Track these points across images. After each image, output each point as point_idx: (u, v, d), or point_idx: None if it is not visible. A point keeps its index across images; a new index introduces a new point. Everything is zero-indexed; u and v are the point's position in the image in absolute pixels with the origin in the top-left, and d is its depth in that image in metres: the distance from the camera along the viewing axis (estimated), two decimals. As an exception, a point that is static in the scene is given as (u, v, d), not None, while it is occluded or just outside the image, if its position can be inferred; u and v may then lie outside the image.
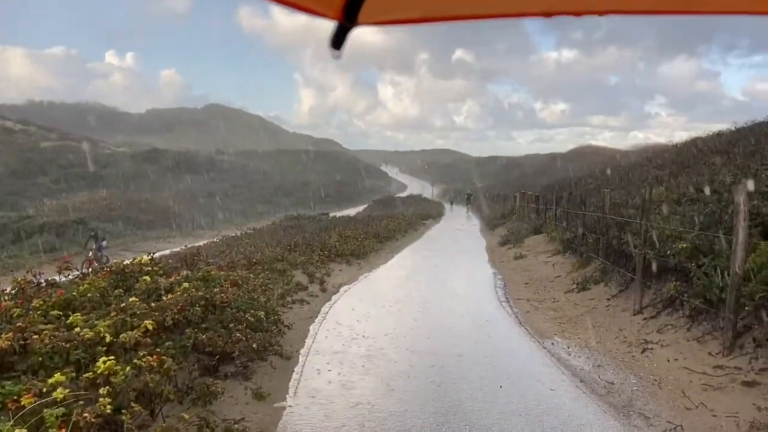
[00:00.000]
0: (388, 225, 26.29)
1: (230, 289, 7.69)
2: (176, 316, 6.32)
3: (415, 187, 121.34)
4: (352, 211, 62.53)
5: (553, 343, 8.85)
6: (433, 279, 14.88)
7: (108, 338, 5.53)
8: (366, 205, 72.21)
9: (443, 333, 9.21)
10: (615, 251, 12.33)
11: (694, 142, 27.00)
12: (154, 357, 5.19)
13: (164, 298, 6.77)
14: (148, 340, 5.65)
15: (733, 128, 24.75)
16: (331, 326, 9.48)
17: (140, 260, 8.15)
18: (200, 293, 7.14)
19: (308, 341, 8.49)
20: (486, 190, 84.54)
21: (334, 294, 12.22)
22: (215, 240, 35.71)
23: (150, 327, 5.91)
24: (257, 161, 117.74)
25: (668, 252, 9.52)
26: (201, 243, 36.28)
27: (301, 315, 10.03)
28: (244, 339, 6.55)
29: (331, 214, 49.77)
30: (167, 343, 5.85)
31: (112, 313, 6.15)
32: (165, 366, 5.19)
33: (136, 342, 5.53)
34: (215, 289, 7.45)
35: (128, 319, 6.04)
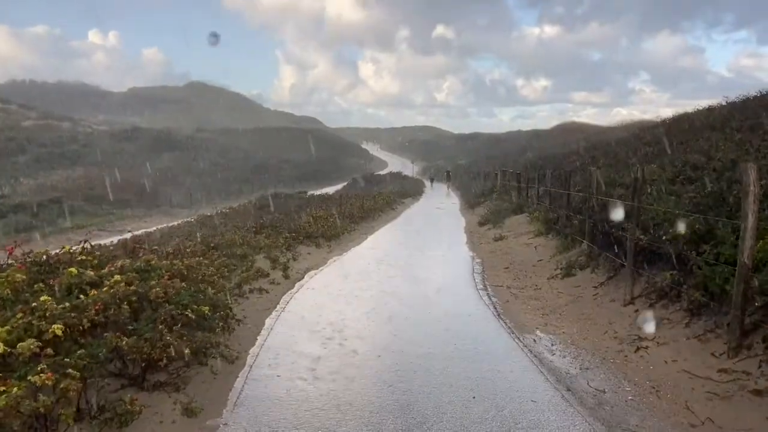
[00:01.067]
0: (363, 204, 25.29)
1: (171, 281, 6.71)
2: (96, 318, 5.35)
3: (395, 164, 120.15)
4: (331, 189, 61.54)
5: (534, 340, 7.96)
6: (406, 263, 13.97)
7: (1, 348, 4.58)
8: (346, 183, 71.20)
9: (412, 329, 8.26)
10: (603, 234, 11.45)
11: (684, 117, 26.26)
12: (49, 374, 4.24)
13: (89, 294, 5.79)
14: (50, 350, 4.68)
15: (725, 103, 23.92)
16: (289, 319, 8.54)
17: (68, 249, 7.12)
18: (133, 288, 6.16)
19: (261, 338, 7.55)
20: (467, 168, 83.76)
21: (299, 281, 11.25)
22: (191, 220, 34.75)
23: (59, 332, 4.96)
24: (238, 139, 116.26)
25: (663, 237, 8.64)
26: (176, 222, 35.35)
27: (257, 306, 9.07)
28: (177, 341, 5.59)
29: (310, 192, 48.79)
30: (79, 352, 4.88)
31: (18, 315, 5.18)
32: (62, 385, 4.24)
33: (34, 353, 4.57)
34: (151, 282, 6.47)
35: (35, 322, 5.07)
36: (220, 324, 7.05)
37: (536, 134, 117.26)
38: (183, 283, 7.06)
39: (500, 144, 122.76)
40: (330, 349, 7.21)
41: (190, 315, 6.33)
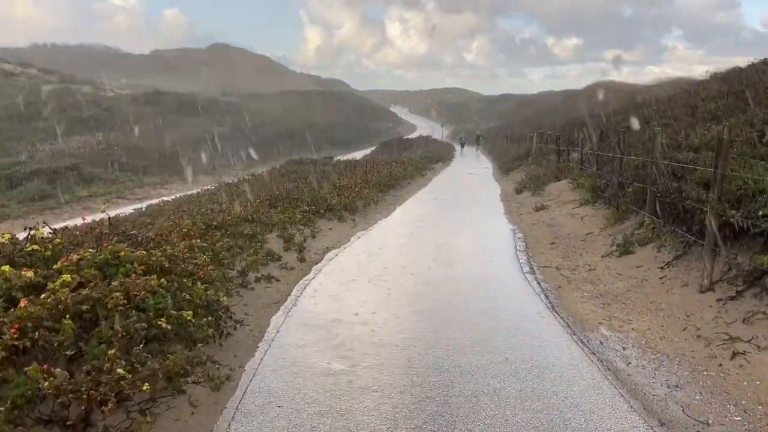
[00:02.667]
0: (391, 171, 23.67)
1: (143, 279, 5.25)
2: (18, 342, 3.91)
3: (424, 128, 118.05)
4: (359, 154, 59.92)
5: (601, 342, 6.40)
6: (440, 240, 12.35)
7: None
8: (374, 148, 69.51)
9: (449, 330, 6.67)
10: (668, 206, 9.77)
11: (736, 71, 24.11)
12: None
13: (20, 305, 4.35)
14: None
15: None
16: (301, 318, 7.03)
17: (9, 238, 5.64)
18: (85, 292, 4.72)
19: (262, 347, 6.04)
20: (498, 131, 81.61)
21: (316, 264, 9.73)
22: (210, 187, 33.49)
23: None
24: (263, 103, 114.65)
25: (760, 212, 6.97)
26: (196, 190, 34.09)
27: (263, 299, 7.56)
28: (138, 367, 4.14)
29: (336, 158, 47.25)
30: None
31: None
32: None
33: None
34: (113, 284, 5.02)
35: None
36: (210, 331, 5.60)
37: (569, 94, 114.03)
38: (163, 279, 5.61)
39: (532, 105, 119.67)
40: (350, 362, 5.72)
41: (164, 325, 4.88)
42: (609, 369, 5.64)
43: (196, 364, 4.90)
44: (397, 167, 25.94)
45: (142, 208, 25.79)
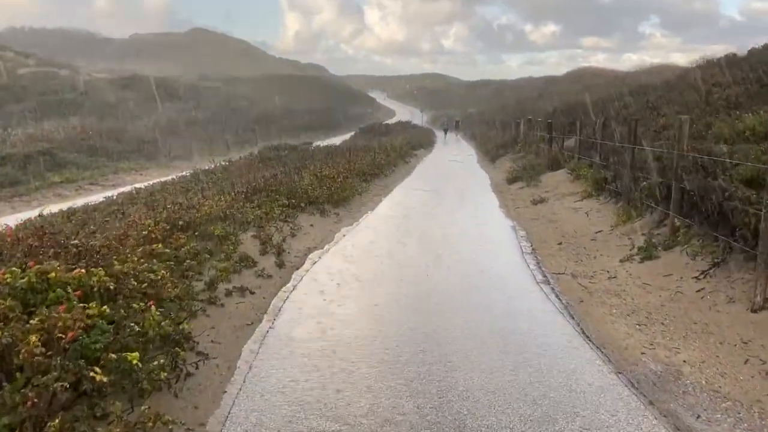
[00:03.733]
0: (374, 158, 22.33)
1: (71, 312, 3.95)
2: None
3: (403, 113, 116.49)
4: (338, 140, 58.48)
5: (654, 384, 5.18)
6: (435, 238, 11.06)
7: None
8: (353, 133, 68.02)
9: (466, 370, 5.36)
10: (702, 205, 8.59)
11: (752, 55, 23.02)
12: None
13: None
14: None
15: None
16: (279, 345, 5.70)
17: None
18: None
19: (231, 391, 4.71)
20: (478, 116, 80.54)
21: (297, 270, 8.39)
22: (185, 174, 32.04)
23: None
24: (242, 87, 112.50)
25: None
26: (171, 177, 32.61)
27: (235, 320, 6.22)
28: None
29: (316, 143, 45.81)
30: None
31: None
32: None
33: None
34: (32, 321, 3.72)
35: None
36: (163, 375, 4.31)
37: (551, 80, 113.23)
38: (105, 307, 4.32)
39: (512, 91, 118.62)
40: (341, 420, 4.44)
41: (99, 377, 3.60)
42: (679, 429, 4.42)
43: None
44: (380, 154, 24.59)
45: (113, 195, 24.27)
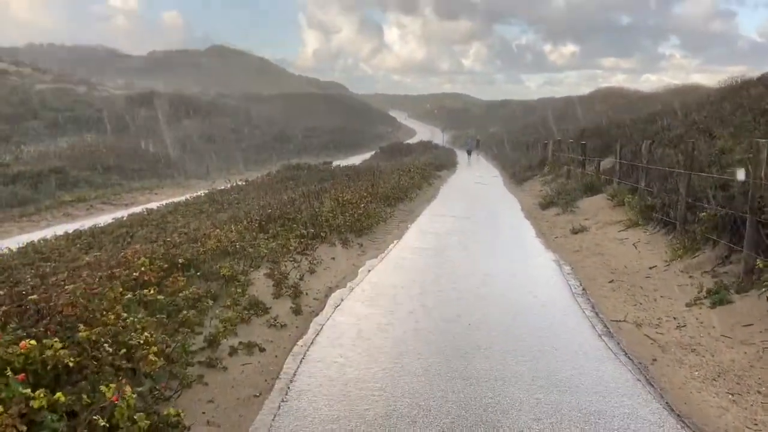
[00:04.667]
0: (399, 181, 21.17)
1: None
2: None
3: (424, 132, 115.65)
4: (357, 159, 57.61)
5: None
6: (470, 277, 9.77)
7: None
8: (373, 153, 67.04)
9: None
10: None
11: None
12: None
13: None
14: None
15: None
16: (293, 427, 4.53)
17: None
18: None
19: None
20: (500, 137, 79.39)
21: (316, 317, 7.15)
22: (200, 194, 31.14)
23: None
24: (261, 105, 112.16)
25: None
26: (185, 197, 31.75)
27: (239, 390, 4.99)
28: None
29: (335, 163, 44.82)
30: None
31: None
32: None
33: None
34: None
35: None
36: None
37: (572, 101, 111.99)
38: (60, 393, 3.16)
39: (532, 111, 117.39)
40: None
41: None
42: None
43: None
44: (404, 176, 23.44)
45: (124, 216, 23.35)
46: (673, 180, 12.40)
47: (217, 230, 9.11)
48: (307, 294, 7.66)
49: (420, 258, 11.00)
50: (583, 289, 9.02)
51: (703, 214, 10.22)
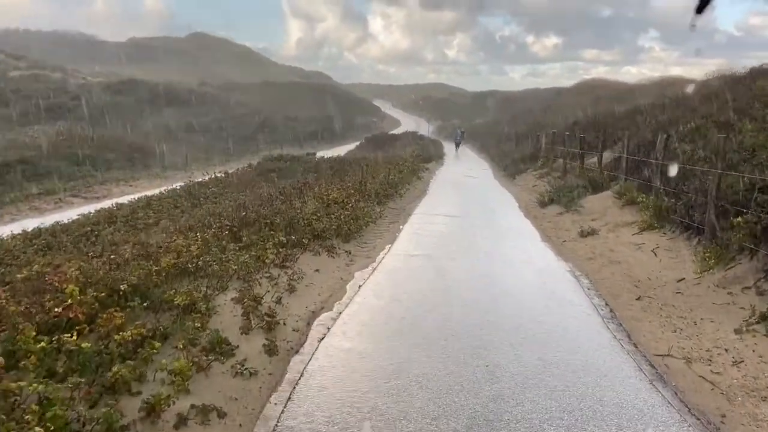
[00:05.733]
0: (388, 175, 19.74)
1: None
2: None
3: (409, 123, 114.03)
4: (342, 150, 56.14)
5: None
6: (477, 293, 8.44)
7: None
8: (358, 143, 65.49)
9: None
10: None
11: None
12: None
13: None
14: None
15: None
16: None
17: None
18: None
19: None
20: (486, 128, 78.21)
21: (296, 354, 5.74)
22: (176, 187, 29.60)
23: None
24: (244, 94, 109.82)
25: None
26: (161, 189, 30.17)
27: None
28: None
29: (320, 154, 43.32)
30: None
31: None
32: None
33: None
34: None
35: None
36: None
37: (557, 92, 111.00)
38: None
39: (519, 102, 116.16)
40: None
41: None
42: None
43: None
44: (393, 170, 22.02)
45: (92, 212, 21.77)
46: (695, 179, 11.10)
47: (179, 240, 7.65)
48: (284, 323, 6.21)
49: (417, 270, 9.55)
50: (611, 311, 7.68)
51: (739, 219, 8.95)
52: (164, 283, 6.01)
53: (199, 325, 5.36)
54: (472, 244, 11.86)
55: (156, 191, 29.61)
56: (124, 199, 26.95)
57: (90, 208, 23.72)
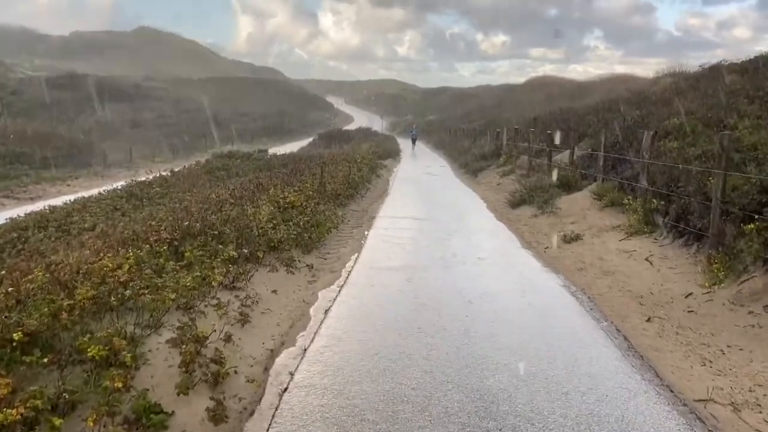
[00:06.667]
0: (348, 174, 18.38)
1: None
2: None
3: (362, 119, 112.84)
4: (295, 146, 54.59)
5: None
6: (462, 313, 7.24)
7: None
8: (311, 139, 63.93)
9: None
10: None
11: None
12: None
13: None
14: None
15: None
16: None
17: None
18: None
19: None
20: (440, 124, 77.54)
21: (248, 419, 4.25)
22: (118, 186, 27.71)
23: None
24: (192, 89, 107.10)
25: None
26: (98, 191, 28.23)
27: None
28: None
29: (272, 150, 41.72)
30: None
31: None
32: None
33: None
34: None
35: None
36: None
37: (509, 88, 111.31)
38: None
39: (471, 98, 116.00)
40: None
41: None
42: None
43: None
44: (352, 167, 20.68)
45: (21, 215, 19.90)
46: (692, 179, 10.07)
47: (104, 260, 6.21)
48: (235, 372, 4.85)
49: (389, 287, 8.21)
50: (625, 339, 6.51)
51: (751, 225, 7.92)
52: (78, 324, 4.60)
53: (120, 384, 3.99)
54: (446, 252, 10.62)
55: (96, 191, 27.73)
56: (61, 200, 25.10)
57: (22, 210, 21.80)
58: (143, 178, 30.24)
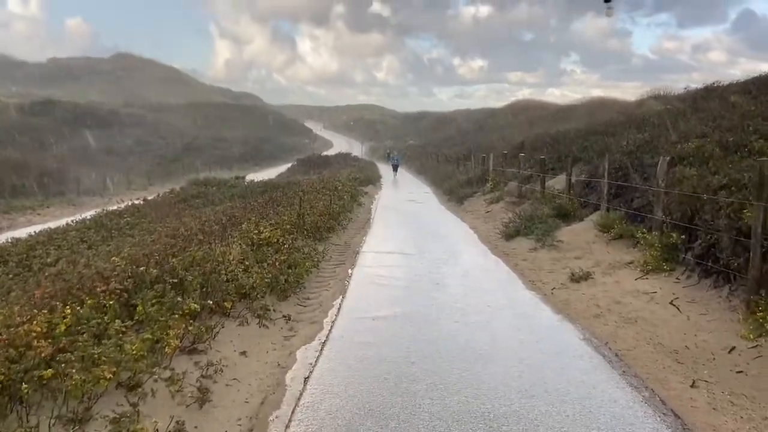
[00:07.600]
0: (330, 204, 17.10)
1: None
2: None
3: (341, 144, 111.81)
4: (274, 172, 53.39)
5: None
6: (467, 378, 6.02)
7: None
8: (290, 165, 62.64)
9: None
10: None
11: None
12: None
13: None
14: None
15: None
16: None
17: None
18: None
19: None
20: (420, 149, 76.58)
21: None
22: (86, 217, 26.32)
23: None
24: (170, 115, 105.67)
25: None
26: (76, 217, 26.89)
27: None
28: None
29: (250, 176, 40.38)
30: None
31: None
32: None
33: None
34: None
35: None
36: None
37: (489, 113, 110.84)
38: None
39: (452, 123, 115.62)
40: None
41: None
42: None
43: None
44: (333, 196, 19.44)
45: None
46: (721, 212, 8.95)
47: (34, 321, 4.93)
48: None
49: (381, 342, 6.97)
50: (674, 414, 5.30)
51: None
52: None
53: None
54: (441, 295, 9.39)
55: (66, 220, 26.33)
56: (31, 230, 23.81)
57: (-15, 242, 20.35)
58: (115, 207, 28.92)
